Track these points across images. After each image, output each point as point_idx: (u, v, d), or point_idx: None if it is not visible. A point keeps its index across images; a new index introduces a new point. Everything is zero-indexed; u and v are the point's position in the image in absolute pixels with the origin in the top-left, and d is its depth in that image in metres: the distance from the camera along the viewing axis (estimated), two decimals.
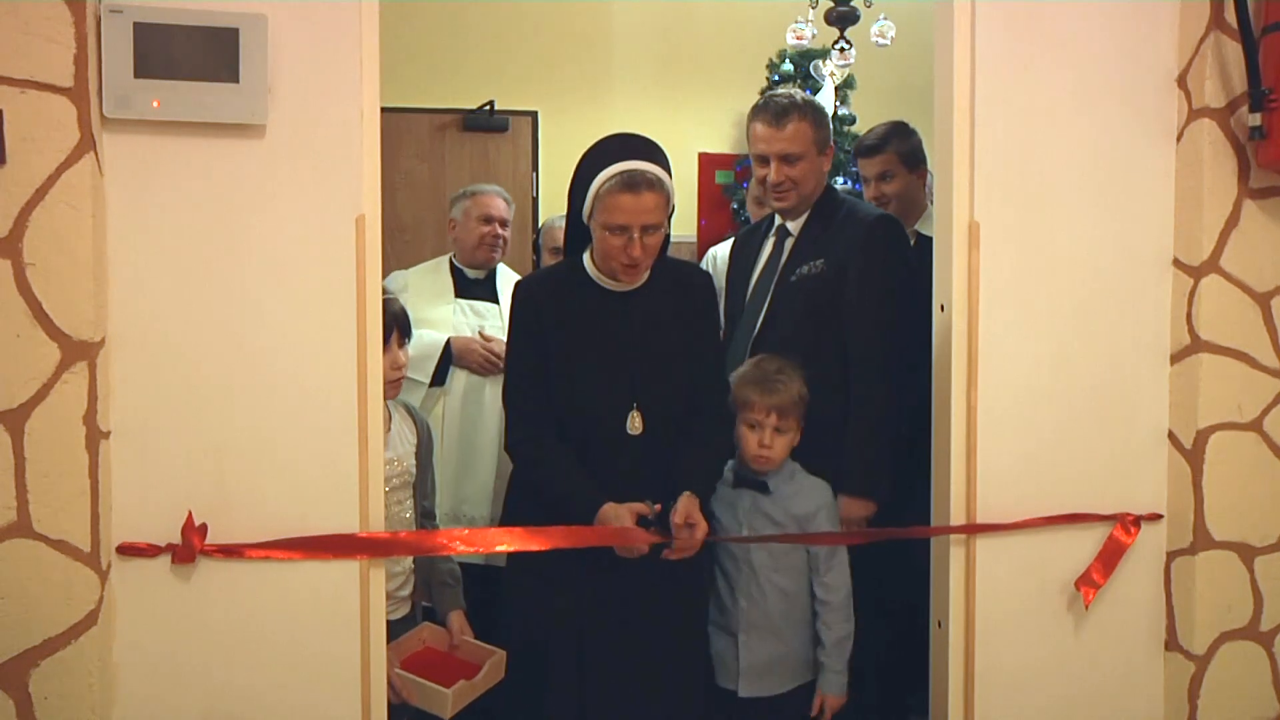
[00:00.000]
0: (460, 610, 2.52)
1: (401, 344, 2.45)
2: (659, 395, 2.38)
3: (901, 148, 3.18)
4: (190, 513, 2.02)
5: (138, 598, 2.02)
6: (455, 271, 3.49)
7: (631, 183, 2.24)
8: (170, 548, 2.02)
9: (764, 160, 2.74)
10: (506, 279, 3.54)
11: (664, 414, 2.38)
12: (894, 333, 2.62)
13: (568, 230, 2.47)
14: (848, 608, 2.49)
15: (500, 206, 3.51)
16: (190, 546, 2.01)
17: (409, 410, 2.61)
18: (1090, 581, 2.39)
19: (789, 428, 2.46)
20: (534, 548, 2.28)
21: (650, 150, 2.33)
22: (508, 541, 2.34)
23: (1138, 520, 2.42)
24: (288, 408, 2.07)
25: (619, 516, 2.26)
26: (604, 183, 2.26)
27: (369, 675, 2.13)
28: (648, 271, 2.39)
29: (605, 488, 2.31)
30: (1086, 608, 2.40)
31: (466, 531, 2.17)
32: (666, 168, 2.32)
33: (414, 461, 2.54)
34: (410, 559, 2.51)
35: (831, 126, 2.81)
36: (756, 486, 2.48)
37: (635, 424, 2.36)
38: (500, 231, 3.48)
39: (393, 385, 2.40)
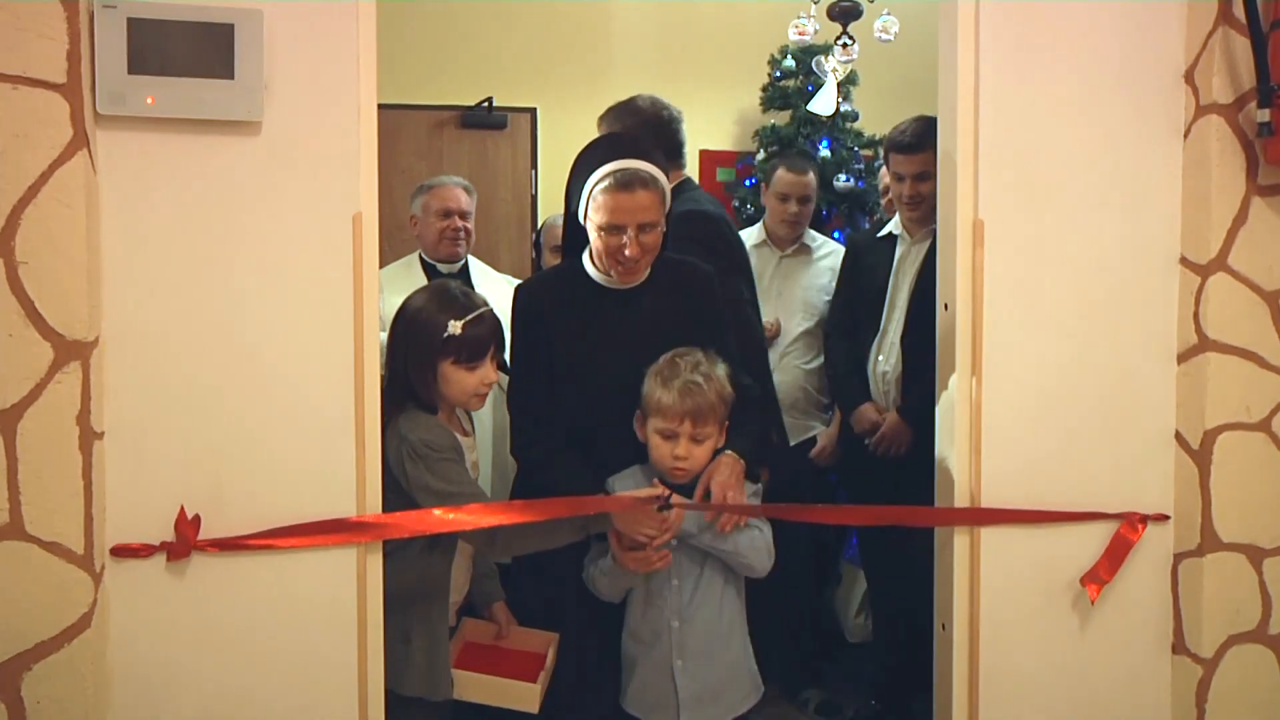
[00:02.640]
0: (503, 600, 2.52)
1: (495, 360, 2.36)
2: None
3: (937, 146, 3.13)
4: (183, 506, 2.00)
5: (132, 600, 2.00)
6: (427, 268, 3.40)
7: (624, 182, 2.23)
8: (164, 545, 2.00)
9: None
10: (479, 271, 3.49)
11: None
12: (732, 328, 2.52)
13: (565, 231, 2.46)
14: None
15: (460, 198, 3.41)
16: (185, 540, 1.99)
17: (469, 416, 2.56)
18: (1096, 578, 2.37)
19: (708, 434, 2.25)
20: (531, 519, 2.19)
21: (643, 148, 2.32)
22: (504, 515, 2.25)
23: (1144, 519, 2.40)
24: (284, 408, 2.05)
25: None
26: (597, 183, 2.26)
27: (365, 667, 2.12)
28: (647, 269, 2.38)
29: None
30: (1092, 603, 2.37)
31: (458, 509, 2.11)
32: (660, 165, 2.31)
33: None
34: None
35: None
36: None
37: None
38: (461, 223, 3.39)
39: (479, 399, 2.35)
